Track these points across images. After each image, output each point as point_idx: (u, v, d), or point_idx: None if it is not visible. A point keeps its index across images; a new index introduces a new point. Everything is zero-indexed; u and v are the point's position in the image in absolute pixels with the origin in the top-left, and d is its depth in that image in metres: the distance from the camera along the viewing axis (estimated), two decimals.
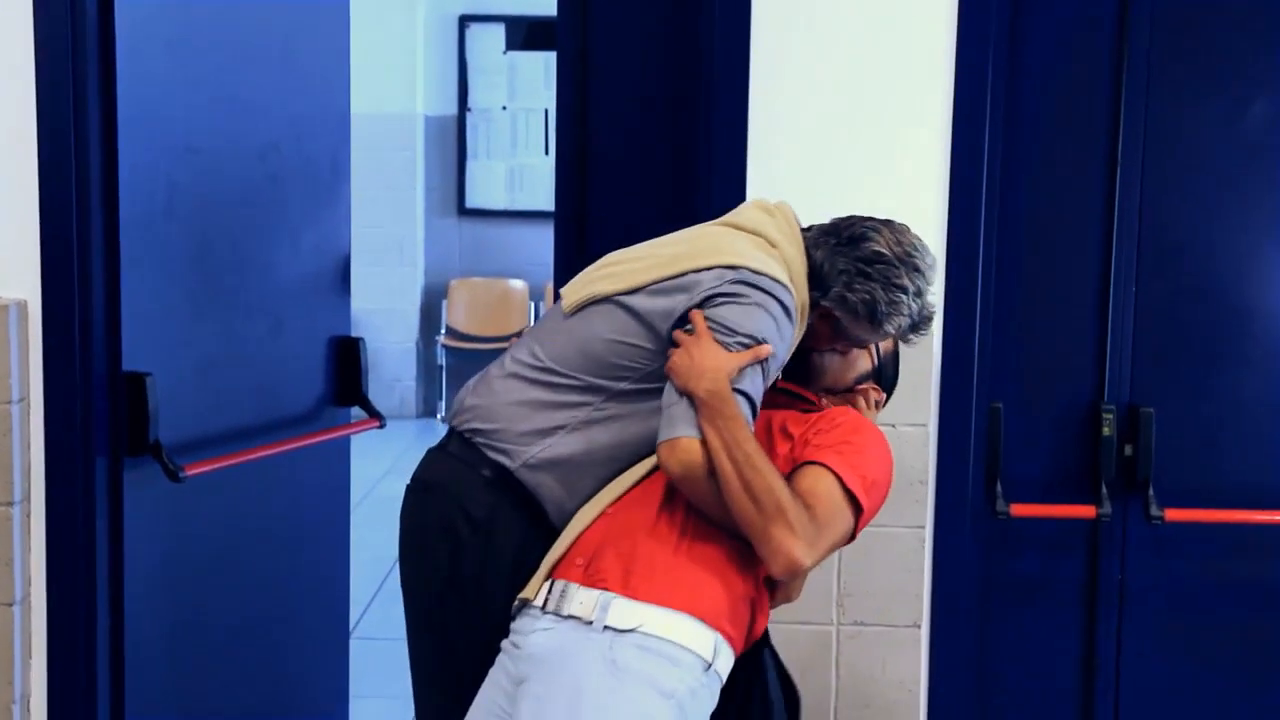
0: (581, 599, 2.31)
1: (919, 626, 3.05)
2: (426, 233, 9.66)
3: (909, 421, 2.99)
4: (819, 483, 2.34)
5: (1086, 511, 3.15)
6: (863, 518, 2.38)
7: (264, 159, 3.44)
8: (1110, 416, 3.15)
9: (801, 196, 2.99)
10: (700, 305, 2.39)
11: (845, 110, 3.01)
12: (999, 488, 3.12)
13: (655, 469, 2.42)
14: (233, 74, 3.33)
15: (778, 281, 2.41)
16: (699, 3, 3.05)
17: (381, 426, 3.77)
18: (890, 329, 2.50)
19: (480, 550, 2.45)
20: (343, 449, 3.85)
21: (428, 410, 9.68)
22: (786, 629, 3.02)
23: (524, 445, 2.46)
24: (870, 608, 3.04)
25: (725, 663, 2.34)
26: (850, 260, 2.48)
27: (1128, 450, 3.17)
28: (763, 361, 2.35)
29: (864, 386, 2.65)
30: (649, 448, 2.42)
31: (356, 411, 3.76)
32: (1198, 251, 3.20)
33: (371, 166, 8.51)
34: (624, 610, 2.28)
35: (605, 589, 2.31)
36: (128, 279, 3.05)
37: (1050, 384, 3.21)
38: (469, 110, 9.54)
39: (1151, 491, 3.14)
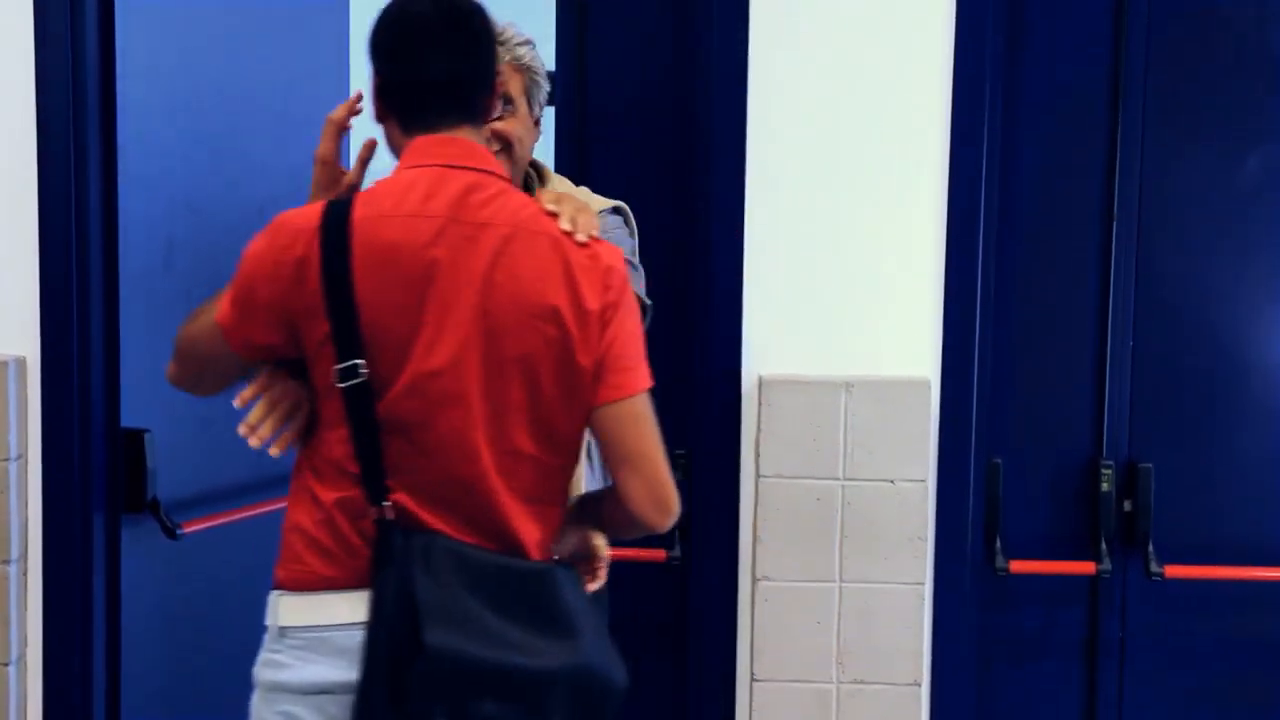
0: None
1: (919, 684, 3.03)
2: None
3: (907, 477, 2.99)
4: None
5: (1086, 568, 3.14)
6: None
7: (263, 214, 3.42)
8: (1109, 472, 3.14)
9: (800, 242, 3.02)
10: None
11: (842, 171, 3.02)
12: (998, 544, 3.12)
13: None
14: (232, 129, 3.35)
15: None
16: (697, 59, 3.06)
17: None
18: None
19: None
20: None
21: None
22: (786, 687, 3.01)
23: None
24: (870, 666, 3.02)
25: (293, 612, 2.13)
26: None
27: (1127, 506, 3.17)
28: None
29: None
30: None
31: None
32: (1194, 305, 3.20)
33: None
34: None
35: None
36: (127, 335, 3.06)
37: (1049, 440, 3.21)
38: None
39: (1151, 547, 3.13)
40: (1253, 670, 3.25)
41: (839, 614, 3.00)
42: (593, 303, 2.12)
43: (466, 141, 2.19)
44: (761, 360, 3.03)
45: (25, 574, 3.02)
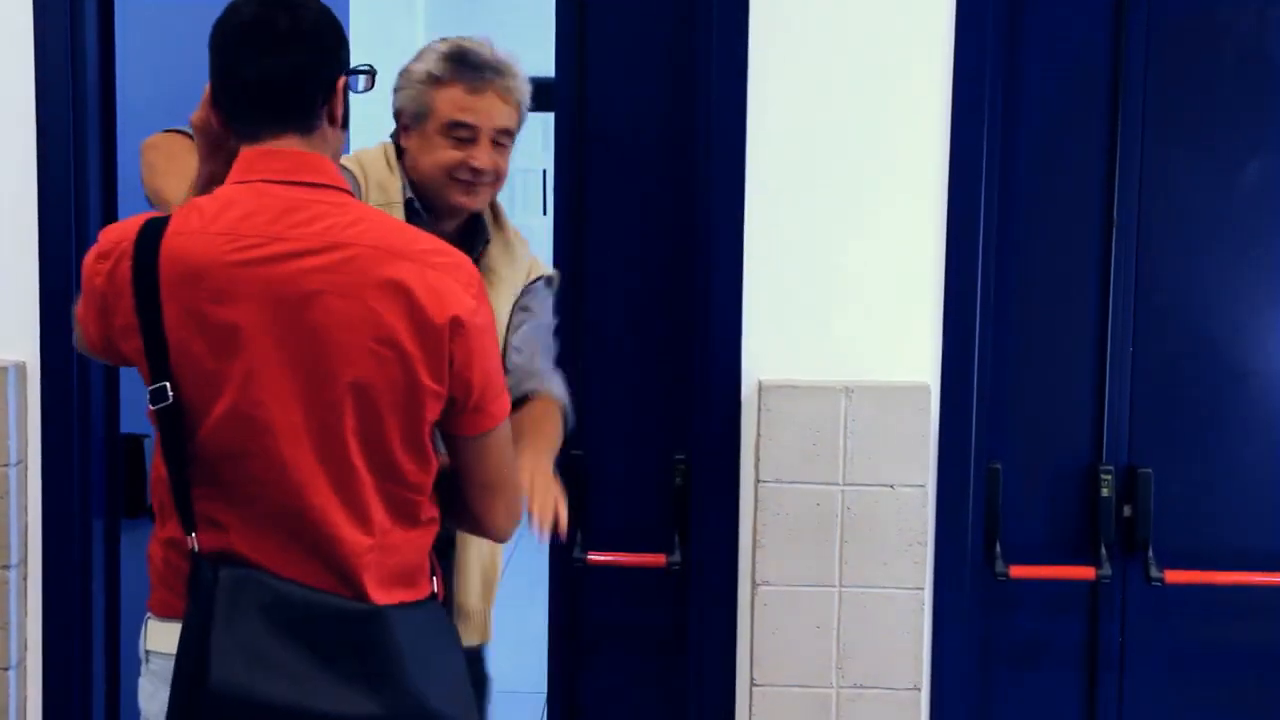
0: None
1: (919, 689, 3.03)
2: None
3: (907, 482, 2.99)
4: None
5: (1086, 573, 3.14)
6: None
7: None
8: (1109, 477, 3.14)
9: (800, 247, 3.02)
10: None
11: (841, 177, 3.02)
12: (998, 549, 3.12)
13: None
14: None
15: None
16: (697, 64, 3.06)
17: None
18: None
19: None
20: None
21: None
22: (786, 692, 3.01)
23: None
24: (870, 671, 3.02)
25: (150, 637, 2.11)
26: None
27: (1127, 511, 3.17)
28: None
29: None
30: None
31: None
32: (1195, 311, 3.20)
33: None
34: None
35: None
36: None
37: (1049, 445, 3.21)
38: None
39: (1151, 553, 3.13)
40: (1253, 675, 3.25)
41: (839, 619, 3.00)
42: (438, 318, 2.00)
43: (292, 153, 2.06)
44: (761, 365, 3.03)
45: (25, 579, 3.02)
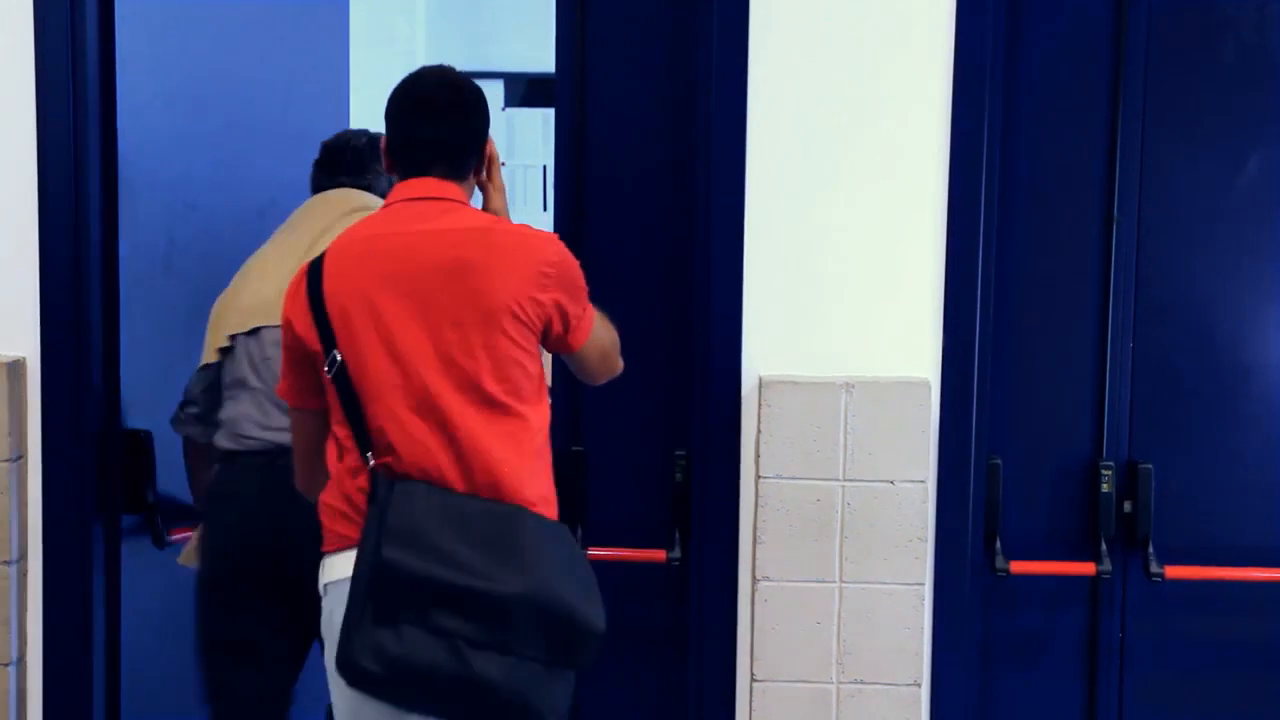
0: None
1: (919, 685, 3.03)
2: None
3: (908, 478, 2.99)
4: None
5: (1086, 568, 3.14)
6: None
7: (263, 216, 3.45)
8: (1109, 473, 3.14)
9: (800, 243, 3.02)
10: None
11: (841, 172, 3.02)
12: (998, 544, 3.12)
13: None
14: (232, 131, 3.35)
15: None
16: (697, 59, 3.06)
17: None
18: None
19: None
20: None
21: None
22: (786, 687, 3.01)
23: None
24: (870, 666, 3.02)
25: (326, 571, 2.48)
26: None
27: (1127, 507, 3.16)
28: None
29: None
30: None
31: None
32: (1195, 306, 3.20)
33: None
34: None
35: None
36: (127, 336, 3.06)
37: (1049, 440, 3.21)
38: None
39: (1151, 548, 3.13)
40: (1252, 670, 3.25)
41: (839, 614, 3.00)
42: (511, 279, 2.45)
43: (437, 181, 2.54)
44: (762, 361, 3.03)
45: (25, 575, 3.02)
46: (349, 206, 3.03)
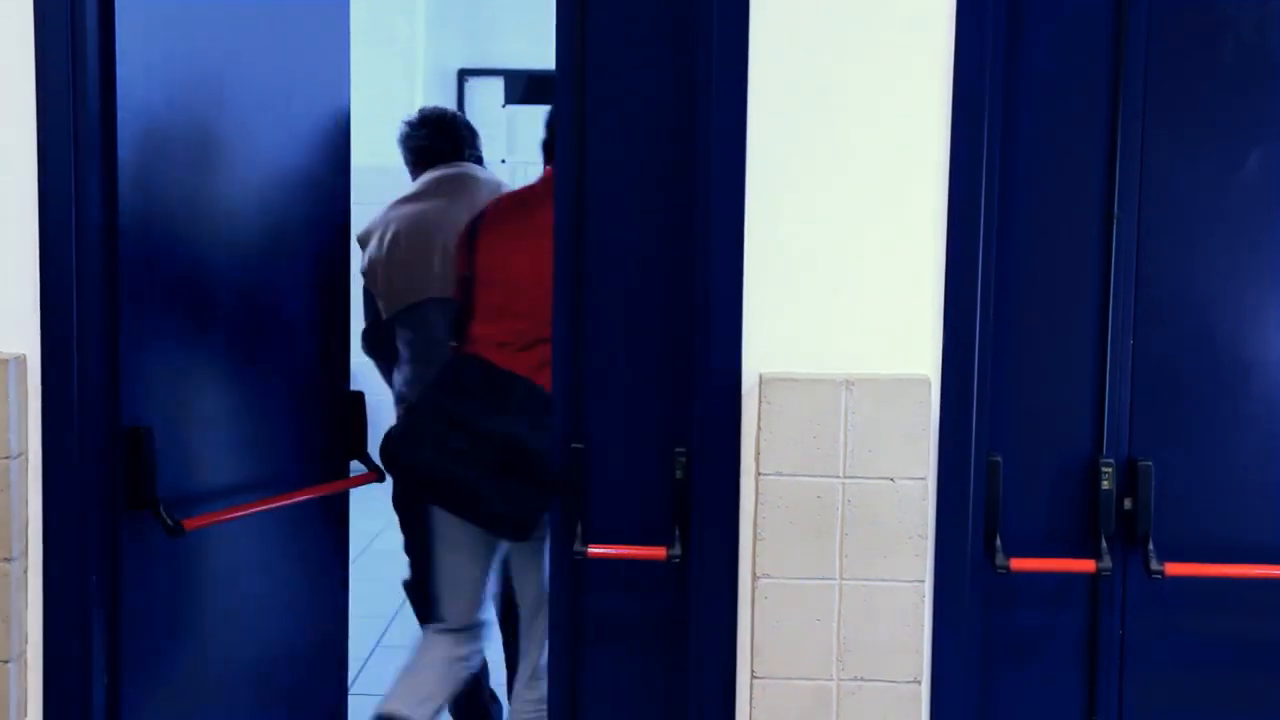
0: None
1: (919, 682, 3.04)
2: None
3: (908, 475, 2.99)
4: None
5: (1086, 566, 3.14)
6: None
7: (265, 212, 3.46)
8: (1109, 470, 3.14)
9: (800, 240, 3.02)
10: None
11: (841, 169, 3.02)
12: (998, 542, 3.12)
13: None
14: (233, 126, 3.35)
15: None
16: (697, 58, 3.07)
17: (380, 481, 3.77)
18: None
19: None
20: (342, 503, 3.85)
21: None
22: (786, 684, 3.01)
23: None
24: (870, 663, 3.03)
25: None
26: None
27: (1127, 504, 3.17)
28: None
29: None
30: None
31: (355, 465, 3.76)
32: (1195, 303, 3.20)
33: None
34: None
35: None
36: (127, 332, 3.06)
37: (1049, 437, 3.21)
38: None
39: (1151, 545, 3.14)
40: (1253, 668, 3.25)
41: (839, 611, 3.00)
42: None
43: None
44: (761, 358, 3.03)
45: (25, 572, 3.03)
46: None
